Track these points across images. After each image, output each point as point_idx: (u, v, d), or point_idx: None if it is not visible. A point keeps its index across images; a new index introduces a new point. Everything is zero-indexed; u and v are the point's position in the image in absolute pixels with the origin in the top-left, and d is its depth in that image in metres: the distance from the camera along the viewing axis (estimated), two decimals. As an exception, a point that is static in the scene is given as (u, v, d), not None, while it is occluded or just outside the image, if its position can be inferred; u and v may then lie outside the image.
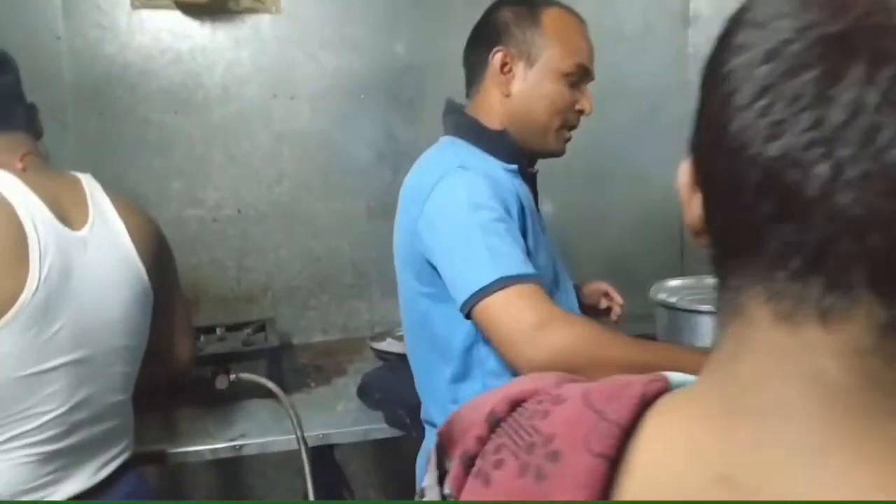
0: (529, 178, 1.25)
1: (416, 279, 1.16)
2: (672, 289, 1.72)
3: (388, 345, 1.98)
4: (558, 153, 1.26)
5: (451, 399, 1.15)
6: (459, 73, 2.11)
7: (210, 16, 1.93)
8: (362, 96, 2.07)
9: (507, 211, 1.08)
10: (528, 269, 1.02)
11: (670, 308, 1.58)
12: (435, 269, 1.10)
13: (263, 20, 1.97)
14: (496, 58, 1.21)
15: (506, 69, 1.20)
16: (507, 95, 1.21)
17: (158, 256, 1.24)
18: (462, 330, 1.12)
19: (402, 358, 1.88)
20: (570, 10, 1.24)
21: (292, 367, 1.86)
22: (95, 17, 1.86)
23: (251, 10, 1.95)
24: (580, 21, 1.24)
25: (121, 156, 1.94)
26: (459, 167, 1.09)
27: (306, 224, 2.10)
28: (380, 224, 2.13)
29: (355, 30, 2.04)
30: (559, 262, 1.23)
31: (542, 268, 1.13)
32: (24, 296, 1.00)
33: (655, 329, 1.68)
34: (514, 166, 1.20)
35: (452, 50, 2.21)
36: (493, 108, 1.22)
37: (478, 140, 1.19)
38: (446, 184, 1.07)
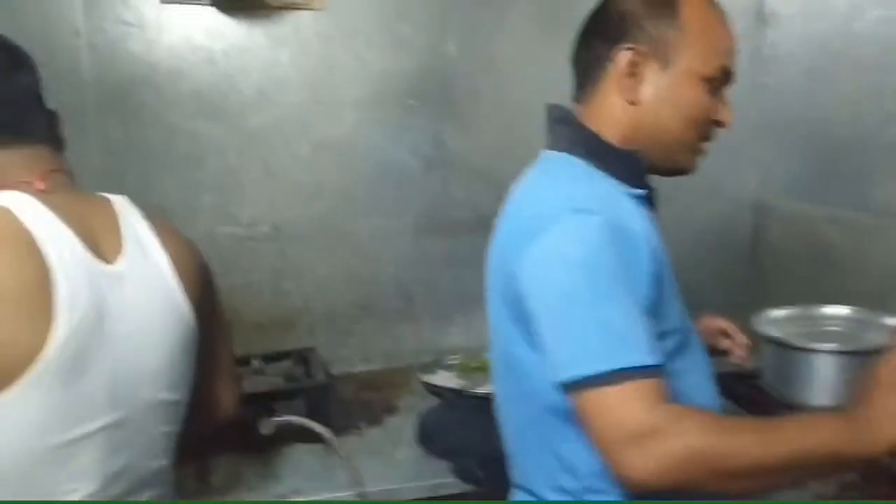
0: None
1: (511, 320, 0.96)
2: (778, 321, 1.51)
3: (442, 378, 1.78)
4: (688, 171, 1.05)
5: (558, 462, 0.95)
6: (517, 76, 1.93)
7: (246, 13, 1.74)
8: (411, 101, 1.88)
9: (637, 270, 0.87)
10: (652, 356, 0.82)
11: (783, 346, 1.38)
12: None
13: (304, 18, 1.78)
14: (623, 57, 0.99)
15: (634, 71, 0.99)
16: (634, 103, 1.00)
17: (204, 291, 1.05)
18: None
19: (460, 394, 1.69)
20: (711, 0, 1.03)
21: (337, 404, 1.66)
22: (119, 11, 1.67)
23: (292, 7, 1.76)
24: (723, 12, 1.02)
25: (146, 166, 1.74)
26: (576, 211, 0.88)
27: (348, 242, 1.90)
28: (427, 242, 1.95)
29: (404, 28, 1.85)
30: (685, 313, 1.02)
31: (674, 329, 0.94)
32: (50, 350, 0.81)
33: (761, 365, 1.48)
34: (642, 192, 1.00)
35: (509, 50, 2.04)
36: (613, 118, 1.01)
37: (601, 160, 0.99)
38: (558, 231, 0.87)
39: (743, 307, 2.12)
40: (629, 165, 1.00)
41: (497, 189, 2.00)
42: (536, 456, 1.00)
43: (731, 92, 1.04)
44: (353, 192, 1.89)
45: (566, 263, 0.85)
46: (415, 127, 1.89)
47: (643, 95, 0.99)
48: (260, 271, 1.86)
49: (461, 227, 1.96)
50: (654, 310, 0.88)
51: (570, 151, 1.01)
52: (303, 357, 1.75)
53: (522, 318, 0.93)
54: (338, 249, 1.90)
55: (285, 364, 1.72)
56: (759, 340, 1.44)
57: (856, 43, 1.73)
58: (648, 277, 0.88)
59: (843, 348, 1.35)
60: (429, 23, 1.86)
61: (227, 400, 1.17)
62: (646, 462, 0.77)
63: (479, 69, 1.91)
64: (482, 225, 1.95)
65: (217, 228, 1.82)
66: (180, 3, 1.69)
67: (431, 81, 1.89)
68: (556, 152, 1.04)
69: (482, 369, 1.85)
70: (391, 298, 1.95)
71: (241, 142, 1.80)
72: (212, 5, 1.71)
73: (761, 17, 2.02)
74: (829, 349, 1.34)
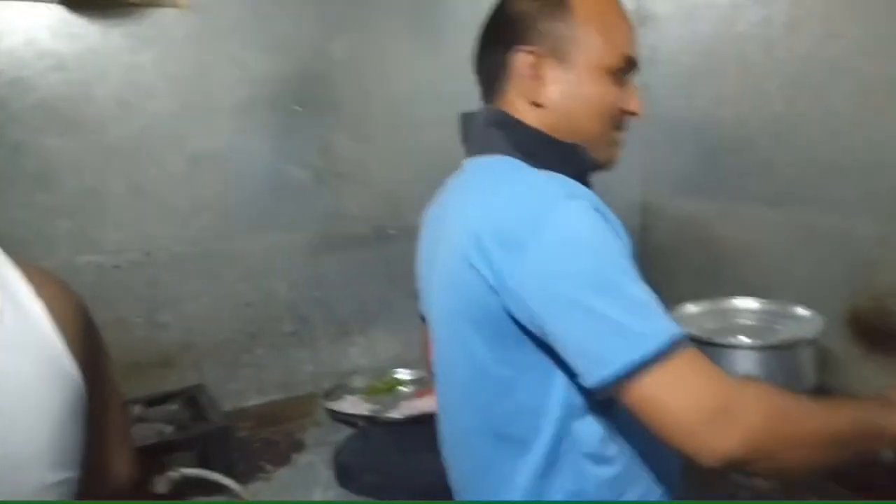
0: None
1: (488, 344, 0.87)
2: (692, 316, 1.51)
3: (350, 404, 1.65)
4: (610, 165, 1.01)
5: (537, 499, 0.87)
6: (409, 78, 1.84)
7: (101, 11, 1.52)
8: (296, 107, 1.73)
9: (627, 254, 0.82)
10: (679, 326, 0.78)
11: (701, 343, 1.37)
12: (521, 328, 0.82)
13: (170, 16, 1.58)
14: (522, 60, 0.95)
15: (535, 73, 0.95)
16: (540, 105, 0.96)
17: (88, 344, 0.87)
18: (554, 403, 0.85)
19: (373, 421, 1.57)
20: None
21: (235, 446, 1.49)
22: (-58, 10, 1.41)
23: (154, 4, 1.56)
24: (616, 1, 0.99)
25: (-14, 191, 1.49)
26: (569, 197, 0.82)
27: (232, 264, 1.72)
28: (321, 259, 1.82)
29: (285, 26, 1.70)
30: None
31: None
32: None
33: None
34: (588, 189, 0.93)
35: (404, 50, 1.92)
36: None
37: (546, 159, 0.91)
38: (560, 220, 0.80)
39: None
40: (576, 161, 0.95)
41: (393, 200, 1.92)
42: (504, 492, 0.90)
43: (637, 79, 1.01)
44: (235, 209, 1.71)
45: (583, 250, 0.79)
46: (302, 135, 1.74)
47: (549, 96, 0.95)
48: (131, 303, 1.64)
49: (357, 241, 1.84)
50: None
51: (509, 153, 0.93)
52: (190, 397, 1.55)
53: (506, 336, 0.85)
54: (221, 273, 1.72)
55: (171, 407, 1.52)
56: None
57: (738, 43, 1.78)
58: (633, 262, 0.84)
59: (761, 343, 1.36)
60: (312, 20, 1.72)
61: (121, 464, 0.98)
62: (728, 441, 0.74)
63: (369, 71, 1.79)
64: (379, 238, 1.87)
65: (77, 258, 1.58)
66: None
67: (318, 85, 1.75)
68: (489, 156, 0.95)
69: (390, 391, 1.74)
70: (284, 322, 1.79)
71: (100, 158, 1.57)
72: (60, 3, 1.48)
73: (640, 19, 2.04)
74: (747, 344, 1.35)
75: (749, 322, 1.51)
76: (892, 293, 1.50)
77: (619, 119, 0.98)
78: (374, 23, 1.78)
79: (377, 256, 1.85)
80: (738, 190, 1.85)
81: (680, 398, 0.74)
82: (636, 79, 1.01)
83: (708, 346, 1.37)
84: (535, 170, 0.89)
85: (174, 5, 1.57)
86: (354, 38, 1.76)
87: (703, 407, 0.74)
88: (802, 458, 0.79)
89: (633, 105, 0.98)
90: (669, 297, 2.05)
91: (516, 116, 0.97)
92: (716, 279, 1.91)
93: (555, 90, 0.95)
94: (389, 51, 1.81)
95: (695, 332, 1.42)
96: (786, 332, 1.40)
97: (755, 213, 1.80)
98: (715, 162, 1.90)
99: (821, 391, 1.42)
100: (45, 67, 1.49)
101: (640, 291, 0.78)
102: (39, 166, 1.51)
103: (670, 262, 2.07)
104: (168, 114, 1.61)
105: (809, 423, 0.79)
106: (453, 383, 0.96)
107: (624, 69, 0.97)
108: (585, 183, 0.94)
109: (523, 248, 0.79)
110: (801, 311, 1.45)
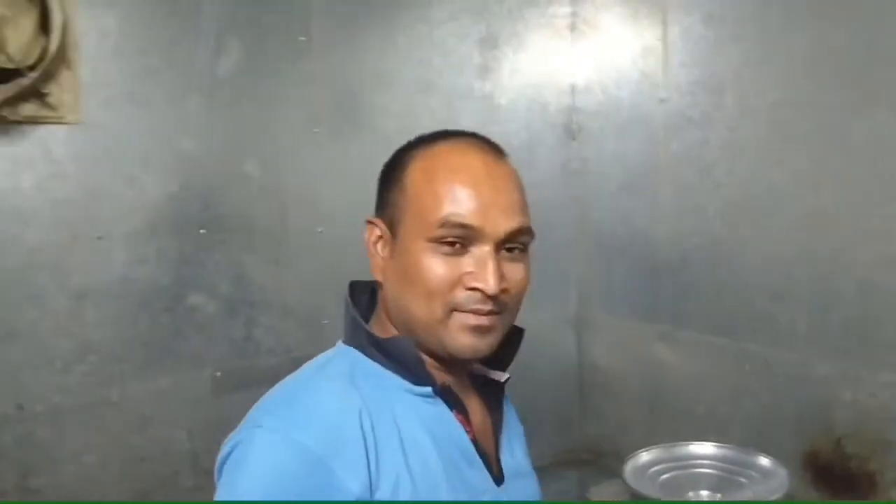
0: (486, 395, 0.89)
1: None
2: (645, 466, 1.38)
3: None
4: (464, 354, 0.79)
5: None
6: (328, 196, 1.68)
7: (-28, 128, 1.30)
8: (202, 230, 1.53)
9: None
10: None
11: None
12: None
13: (56, 134, 1.37)
14: (366, 233, 0.84)
15: (373, 249, 0.84)
16: (381, 284, 0.83)
17: None
18: None
19: None
20: (467, 141, 0.83)
21: None
22: None
23: (36, 121, 1.34)
24: (473, 153, 0.81)
25: None
26: (254, 426, 0.73)
27: (124, 414, 1.48)
28: (230, 399, 1.59)
29: (190, 144, 1.51)
30: None
31: None
32: None
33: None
34: (427, 389, 0.80)
35: (327, 169, 1.72)
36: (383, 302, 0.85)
37: (373, 353, 0.81)
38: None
39: (572, 425, 2.05)
40: (397, 355, 0.80)
41: (314, 327, 1.73)
42: None
43: (489, 253, 0.78)
44: (128, 349, 1.48)
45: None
46: (210, 262, 1.54)
47: (384, 274, 0.82)
48: (-3, 467, 1.37)
49: (271, 375, 1.58)
50: None
51: (351, 342, 0.83)
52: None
53: None
54: (109, 425, 1.47)
55: None
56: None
57: (673, 163, 1.73)
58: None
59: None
60: (224, 136, 1.54)
61: None
62: None
63: (289, 192, 1.62)
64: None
65: (-72, 417, 1.31)
66: None
67: (226, 206, 1.56)
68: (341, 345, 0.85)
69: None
70: (187, 476, 1.54)
71: (-35, 298, 1.32)
72: (-84, 118, 1.25)
73: (570, 132, 1.98)
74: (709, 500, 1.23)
75: (708, 471, 1.39)
76: (849, 434, 1.43)
77: (453, 296, 0.77)
78: (297, 134, 1.62)
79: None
80: (677, 313, 1.77)
81: None
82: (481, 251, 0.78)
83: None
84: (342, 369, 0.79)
85: (61, 121, 1.37)
86: (273, 154, 1.59)
87: None
88: None
89: (476, 280, 0.77)
90: (611, 418, 1.97)
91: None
92: (659, 405, 1.81)
93: (386, 267, 0.82)
94: (312, 165, 1.65)
95: (652, 490, 1.31)
96: (751, 489, 1.30)
97: (698, 339, 1.72)
98: (653, 281, 1.82)
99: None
100: None
101: None
102: None
103: (609, 382, 1.97)
104: (51, 244, 1.39)
105: None
106: None
107: (452, 235, 0.77)
108: (425, 380, 0.80)
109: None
110: (764, 461, 1.34)
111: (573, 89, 1.95)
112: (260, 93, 1.59)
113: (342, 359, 0.81)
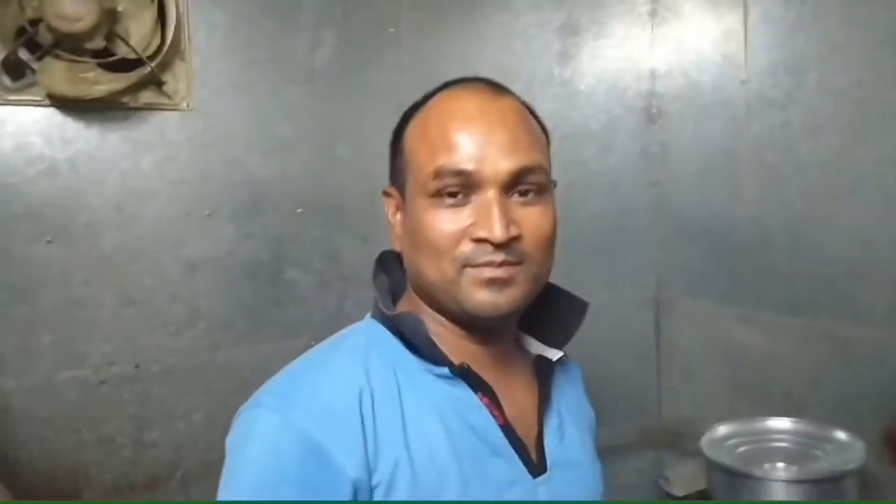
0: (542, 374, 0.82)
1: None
2: (723, 439, 1.41)
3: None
4: (481, 310, 0.74)
5: None
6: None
7: (98, 114, 1.45)
8: (298, 210, 1.65)
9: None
10: None
11: (734, 473, 1.27)
12: None
13: (171, 119, 1.52)
14: (384, 204, 0.84)
15: (391, 218, 0.82)
16: (400, 253, 0.82)
17: None
18: None
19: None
20: (463, 86, 0.79)
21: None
22: (-72, 115, 1.33)
23: (154, 107, 1.49)
24: (467, 95, 0.77)
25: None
26: (257, 405, 0.72)
27: (228, 376, 1.61)
28: (322, 368, 1.70)
29: (289, 129, 1.63)
30: None
31: None
32: None
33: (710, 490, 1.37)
34: (444, 369, 0.75)
35: None
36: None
37: (389, 329, 0.79)
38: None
39: (651, 407, 2.07)
40: (408, 333, 0.76)
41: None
42: None
43: (495, 197, 0.74)
44: (233, 317, 1.61)
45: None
46: (305, 239, 1.66)
47: (402, 243, 0.80)
48: (117, 422, 1.52)
49: None
50: None
51: (374, 314, 0.83)
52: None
53: None
54: (215, 386, 1.60)
55: (159, 542, 1.38)
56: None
57: (755, 145, 1.73)
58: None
59: (803, 476, 1.26)
60: (318, 122, 1.66)
61: None
62: None
63: (375, 174, 1.71)
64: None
65: (59, 374, 1.46)
66: (9, 103, 1.38)
67: (321, 187, 1.67)
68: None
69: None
70: (281, 438, 1.67)
71: (91, 267, 1.47)
72: (52, 105, 1.41)
73: (650, 117, 2.01)
74: (788, 478, 1.25)
75: (784, 445, 1.41)
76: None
77: (462, 250, 0.72)
78: (382, 120, 1.72)
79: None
80: (757, 294, 1.77)
81: None
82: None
83: (747, 479, 1.27)
84: (360, 343, 0.76)
85: (176, 108, 1.51)
86: (361, 138, 1.70)
87: None
88: None
89: (480, 230, 0.71)
90: (689, 399, 1.99)
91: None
92: (737, 386, 1.82)
93: (401, 233, 0.80)
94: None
95: (728, 460, 1.33)
96: (827, 461, 1.31)
97: (777, 320, 1.72)
98: (732, 263, 1.83)
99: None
100: (36, 174, 1.41)
101: None
102: (22, 276, 1.41)
103: (687, 363, 1.98)
104: (167, 219, 1.53)
105: None
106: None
107: (448, 185, 0.72)
108: (439, 360, 0.76)
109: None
110: (841, 434, 1.36)
111: (653, 74, 1.97)
112: (352, 82, 1.70)
113: (359, 335, 0.79)
